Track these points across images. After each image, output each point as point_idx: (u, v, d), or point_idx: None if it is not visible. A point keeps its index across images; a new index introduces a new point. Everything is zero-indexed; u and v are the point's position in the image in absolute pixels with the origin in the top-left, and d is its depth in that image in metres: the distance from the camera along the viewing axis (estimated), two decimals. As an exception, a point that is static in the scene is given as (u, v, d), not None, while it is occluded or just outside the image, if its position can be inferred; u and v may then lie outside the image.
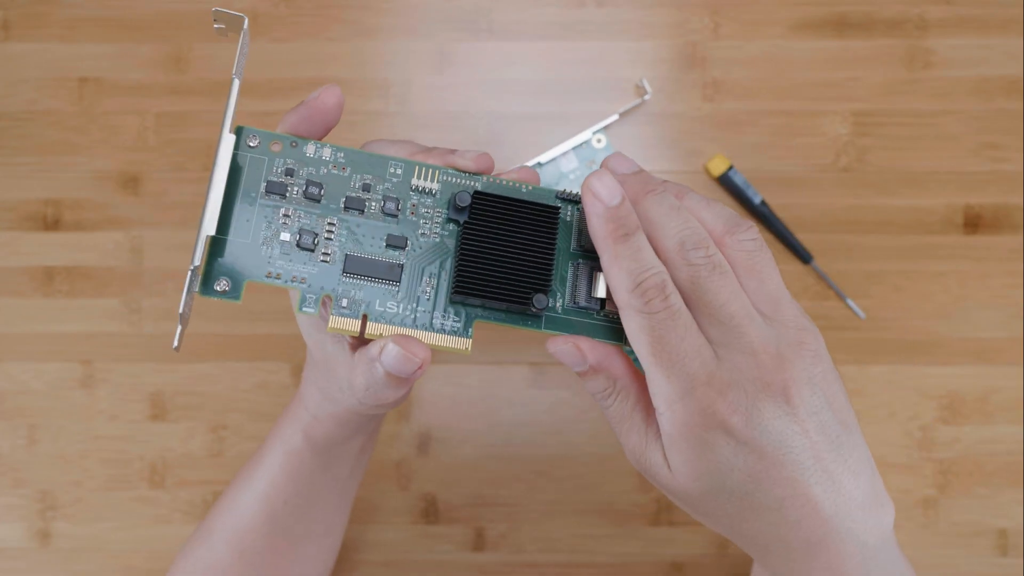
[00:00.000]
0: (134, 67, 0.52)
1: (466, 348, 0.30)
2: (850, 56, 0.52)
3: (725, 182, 0.51)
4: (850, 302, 0.51)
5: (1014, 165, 0.52)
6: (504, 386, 0.51)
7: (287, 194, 0.29)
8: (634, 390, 0.30)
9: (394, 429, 0.51)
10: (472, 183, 0.31)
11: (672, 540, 0.51)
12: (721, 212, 0.29)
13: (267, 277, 0.29)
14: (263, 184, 0.29)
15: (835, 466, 0.27)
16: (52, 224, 0.52)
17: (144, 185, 0.52)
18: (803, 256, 0.51)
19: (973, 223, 0.52)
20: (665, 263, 0.27)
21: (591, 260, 0.31)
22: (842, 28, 0.52)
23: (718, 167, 0.51)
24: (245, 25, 0.28)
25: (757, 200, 0.51)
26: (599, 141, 0.51)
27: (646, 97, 0.52)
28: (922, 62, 0.52)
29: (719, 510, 0.28)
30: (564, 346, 0.29)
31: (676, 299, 0.27)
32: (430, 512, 0.51)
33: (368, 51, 0.52)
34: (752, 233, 0.29)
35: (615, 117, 0.51)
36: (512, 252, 0.29)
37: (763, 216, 0.51)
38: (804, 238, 0.51)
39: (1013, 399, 0.51)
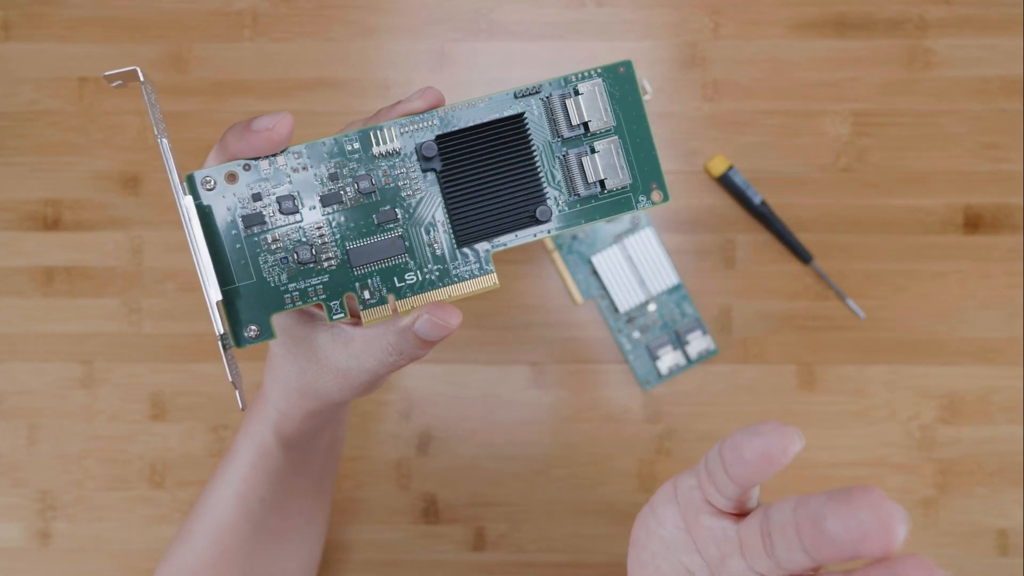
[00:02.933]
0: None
1: (494, 283, 0.30)
2: (850, 56, 0.52)
3: (725, 182, 0.51)
4: (850, 302, 0.51)
5: (1014, 165, 0.52)
6: (504, 386, 0.51)
7: (265, 219, 0.29)
8: None
9: (394, 429, 0.51)
10: (431, 124, 0.29)
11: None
12: None
13: (287, 303, 0.29)
14: (240, 221, 0.28)
15: None
16: (52, 224, 0.52)
17: (144, 185, 0.52)
18: (803, 256, 0.51)
19: (973, 223, 0.52)
20: None
21: (575, 146, 0.30)
22: (842, 28, 0.52)
23: (718, 167, 0.51)
24: (140, 76, 0.27)
25: (757, 200, 0.51)
26: (599, 141, 0.51)
27: (646, 97, 0.52)
28: (922, 62, 0.52)
29: None
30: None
31: None
32: (430, 512, 0.51)
33: (368, 51, 0.52)
34: None
35: (615, 117, 0.51)
36: (497, 179, 0.29)
37: (763, 216, 0.51)
38: (804, 238, 0.51)
39: (1013, 399, 0.51)
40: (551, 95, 0.30)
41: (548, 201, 0.30)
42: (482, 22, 0.53)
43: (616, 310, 0.51)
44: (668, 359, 0.51)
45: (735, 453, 0.24)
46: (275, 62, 0.52)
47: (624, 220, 0.51)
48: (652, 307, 0.51)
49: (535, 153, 0.30)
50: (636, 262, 0.51)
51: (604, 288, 0.51)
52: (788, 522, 0.22)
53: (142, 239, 0.52)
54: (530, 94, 0.30)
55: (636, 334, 0.51)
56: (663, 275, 0.51)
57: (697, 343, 0.51)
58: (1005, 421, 0.51)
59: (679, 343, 0.51)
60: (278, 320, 0.32)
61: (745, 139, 0.52)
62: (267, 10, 0.52)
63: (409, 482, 0.51)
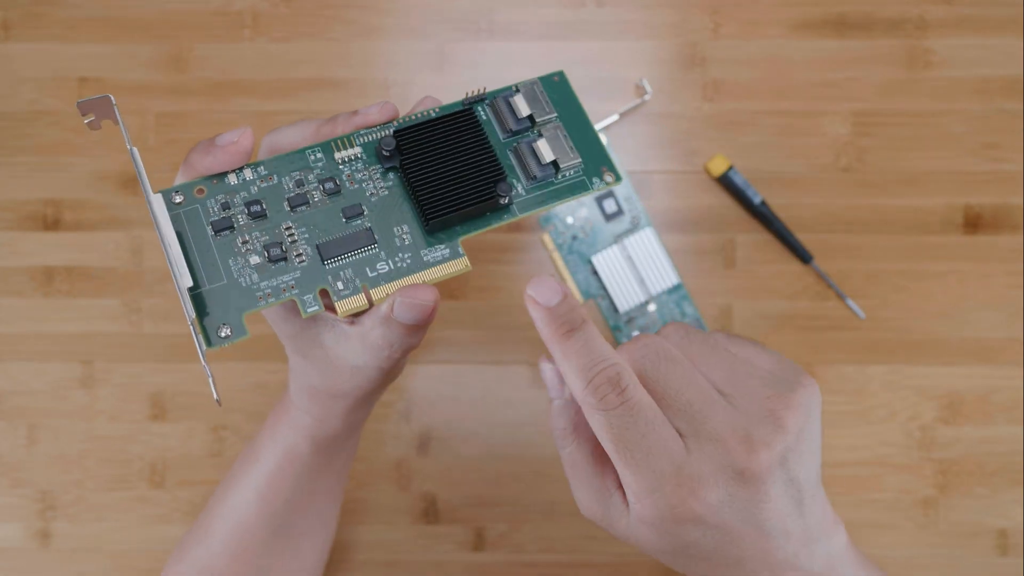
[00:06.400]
0: (134, 67, 0.52)
1: (466, 266, 0.31)
2: (850, 56, 0.52)
3: (725, 182, 0.51)
4: (850, 302, 0.51)
5: (1014, 165, 0.52)
6: (504, 386, 0.51)
7: (234, 225, 0.30)
8: (592, 439, 0.30)
9: (394, 429, 0.51)
10: (386, 132, 0.31)
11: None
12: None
13: (260, 301, 0.29)
14: (209, 228, 0.29)
15: (792, 519, 0.27)
16: (52, 224, 0.52)
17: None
18: (803, 256, 0.51)
19: (973, 223, 0.52)
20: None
21: (523, 137, 0.32)
22: (842, 28, 0.52)
23: (718, 167, 0.51)
24: (113, 101, 0.28)
25: (757, 200, 0.51)
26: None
27: (646, 97, 0.52)
28: (922, 62, 0.52)
29: (675, 563, 0.29)
30: (548, 372, 0.30)
31: (636, 391, 0.27)
32: (430, 512, 0.51)
33: (368, 51, 0.52)
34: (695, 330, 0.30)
35: (615, 117, 0.51)
36: (455, 161, 0.31)
37: (763, 216, 0.51)
38: (804, 238, 0.51)
39: (1013, 399, 0.51)
40: (496, 98, 0.33)
41: (510, 179, 0.32)
42: (482, 22, 0.53)
43: (616, 310, 0.51)
44: (668, 359, 0.51)
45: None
46: (275, 62, 0.52)
47: (624, 220, 0.51)
48: (652, 307, 0.51)
49: (488, 139, 0.32)
50: (636, 262, 0.51)
51: (604, 288, 0.51)
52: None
53: (142, 239, 0.52)
54: (476, 101, 0.33)
55: (636, 334, 0.51)
56: (663, 275, 0.51)
57: (697, 343, 0.51)
58: (1005, 421, 0.51)
59: (679, 343, 0.51)
60: (296, 324, 0.33)
61: (745, 139, 0.52)
62: (267, 10, 0.52)
63: (409, 482, 0.51)
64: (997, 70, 0.52)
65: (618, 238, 0.51)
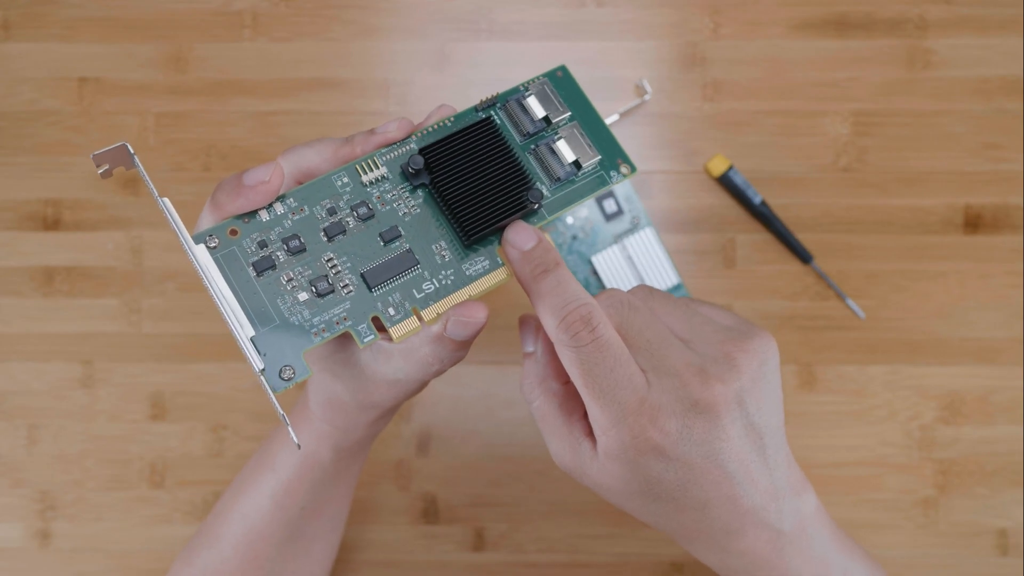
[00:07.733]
0: (134, 67, 0.52)
1: (508, 275, 0.31)
2: (850, 56, 0.52)
3: (725, 182, 0.51)
4: (850, 302, 0.51)
5: (1014, 165, 0.52)
6: (504, 386, 0.51)
7: (276, 263, 0.29)
8: (560, 393, 0.31)
9: (394, 429, 0.51)
10: (408, 148, 0.32)
11: (672, 540, 0.51)
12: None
13: (315, 338, 0.29)
14: (250, 269, 0.29)
15: (756, 466, 0.29)
16: (52, 224, 0.52)
17: (144, 185, 0.52)
18: (803, 256, 0.51)
19: (973, 223, 0.52)
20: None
21: (543, 138, 0.33)
22: (842, 28, 0.52)
23: (718, 167, 0.51)
24: (130, 149, 0.28)
25: (757, 200, 0.51)
26: (599, 141, 0.51)
27: (646, 97, 0.52)
28: (922, 62, 0.52)
29: (645, 508, 0.30)
30: (527, 331, 0.32)
31: (606, 330, 0.28)
32: (430, 512, 0.51)
33: (368, 51, 0.52)
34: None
35: (615, 117, 0.51)
36: (484, 175, 0.31)
37: (763, 216, 0.51)
38: (804, 238, 0.51)
39: (1013, 399, 0.51)
40: (508, 101, 0.33)
41: (537, 184, 0.32)
42: (482, 22, 0.53)
43: (616, 310, 0.51)
44: (668, 359, 0.51)
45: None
46: (275, 62, 0.52)
47: (624, 220, 0.51)
48: (652, 307, 0.51)
49: (512, 147, 0.32)
50: (636, 262, 0.51)
51: (604, 288, 0.51)
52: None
53: (142, 239, 0.52)
54: (489, 105, 0.33)
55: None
56: (663, 275, 0.51)
57: (697, 343, 0.51)
58: (1005, 421, 0.51)
59: (679, 343, 0.51)
60: (328, 348, 0.33)
61: (745, 139, 0.52)
62: (267, 10, 0.52)
63: (409, 482, 0.51)
64: (997, 70, 0.52)
65: (618, 238, 0.51)
